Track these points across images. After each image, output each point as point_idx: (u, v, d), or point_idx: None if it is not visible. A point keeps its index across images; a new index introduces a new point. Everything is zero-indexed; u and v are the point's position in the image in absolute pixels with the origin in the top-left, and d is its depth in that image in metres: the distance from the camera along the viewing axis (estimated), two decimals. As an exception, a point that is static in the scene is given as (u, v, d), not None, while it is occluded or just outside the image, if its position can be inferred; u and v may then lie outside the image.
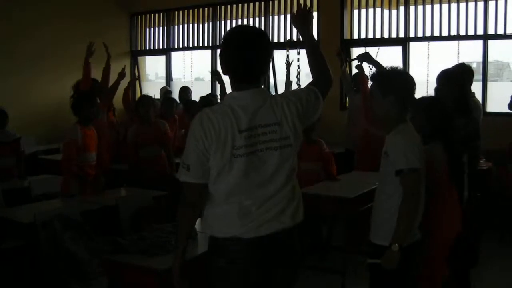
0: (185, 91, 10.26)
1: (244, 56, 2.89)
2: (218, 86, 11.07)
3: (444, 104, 4.36)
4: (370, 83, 4.85)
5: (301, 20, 3.36)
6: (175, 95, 10.82)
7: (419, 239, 3.71)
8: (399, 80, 3.72)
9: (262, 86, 3.01)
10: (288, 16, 11.02)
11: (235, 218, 2.87)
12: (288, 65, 8.88)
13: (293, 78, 8.64)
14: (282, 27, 11.23)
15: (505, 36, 8.76)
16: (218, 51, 3.11)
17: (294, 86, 8.59)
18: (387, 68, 3.79)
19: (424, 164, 3.65)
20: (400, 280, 3.67)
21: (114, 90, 8.32)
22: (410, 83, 3.79)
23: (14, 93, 10.34)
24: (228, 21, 12.00)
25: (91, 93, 6.41)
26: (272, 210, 2.91)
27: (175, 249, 3.12)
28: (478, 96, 8.78)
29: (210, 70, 11.24)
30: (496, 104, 8.65)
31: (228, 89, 3.10)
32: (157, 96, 11.11)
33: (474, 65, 9.83)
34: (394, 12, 9.89)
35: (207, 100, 8.07)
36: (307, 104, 3.04)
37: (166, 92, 11.33)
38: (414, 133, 3.70)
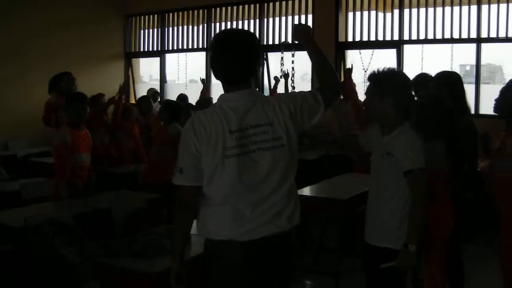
0: (182, 100, 10.19)
1: (228, 58, 2.92)
2: (212, 88, 11.15)
3: (445, 103, 4.37)
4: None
5: (301, 35, 3.34)
6: (169, 97, 10.83)
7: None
8: (396, 81, 3.71)
9: (253, 87, 3.02)
10: (283, 18, 11.04)
11: (229, 221, 2.88)
12: (286, 76, 8.83)
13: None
14: (277, 29, 11.24)
15: (497, 39, 8.80)
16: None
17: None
18: (384, 70, 3.77)
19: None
20: (399, 281, 3.68)
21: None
22: (407, 84, 3.80)
23: (6, 97, 10.35)
24: (223, 23, 11.99)
25: (80, 95, 6.33)
26: (267, 213, 2.91)
27: (172, 253, 3.11)
28: (471, 99, 8.85)
29: (200, 78, 11.20)
30: (488, 106, 8.63)
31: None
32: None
33: (467, 68, 9.88)
34: (388, 15, 9.92)
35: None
36: (302, 106, 3.03)
37: (154, 93, 11.33)
38: (414, 133, 3.69)
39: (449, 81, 5.04)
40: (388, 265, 3.54)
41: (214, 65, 2.99)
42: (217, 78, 3.02)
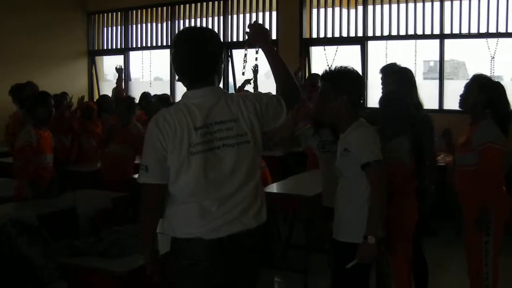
0: (146, 98, 10.09)
1: (189, 55, 2.94)
2: (177, 86, 11.08)
3: (407, 99, 4.40)
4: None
5: (259, 36, 3.34)
6: (133, 95, 10.73)
7: (383, 235, 3.72)
8: (350, 79, 3.73)
9: (216, 84, 3.03)
10: (247, 15, 11.02)
11: (195, 218, 2.87)
12: (255, 72, 8.76)
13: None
14: (241, 26, 11.22)
15: (460, 35, 8.90)
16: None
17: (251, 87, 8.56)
18: (336, 68, 3.78)
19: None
20: (363, 277, 3.70)
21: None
22: (360, 81, 3.83)
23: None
24: (187, 20, 11.95)
25: (45, 94, 6.21)
26: (233, 210, 2.92)
27: (143, 253, 3.06)
28: (435, 94, 8.96)
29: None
30: (452, 102, 8.74)
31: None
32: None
33: (431, 64, 9.98)
34: (352, 11, 9.96)
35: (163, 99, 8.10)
36: (267, 106, 3.05)
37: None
38: (370, 127, 3.71)
39: (406, 77, 5.10)
40: (352, 263, 3.55)
41: (176, 63, 3.00)
42: (179, 75, 3.04)
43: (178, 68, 3.01)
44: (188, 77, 2.99)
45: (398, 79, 5.10)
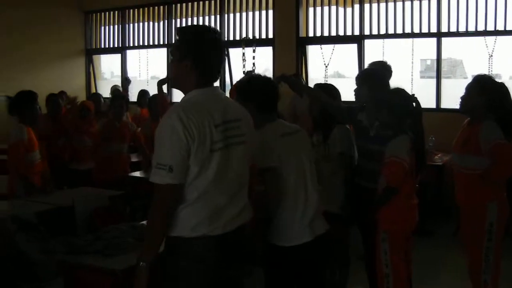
0: (144, 95, 10.12)
1: (213, 55, 2.98)
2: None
3: (408, 98, 4.34)
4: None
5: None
6: (131, 93, 10.78)
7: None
8: (257, 86, 3.71)
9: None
10: (244, 14, 11.02)
11: (208, 216, 2.87)
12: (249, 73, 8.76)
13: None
14: (238, 25, 11.21)
15: (457, 33, 8.88)
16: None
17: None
18: (248, 77, 3.87)
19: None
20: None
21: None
22: (268, 88, 3.75)
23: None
24: (184, 19, 11.93)
25: (31, 92, 6.25)
26: (238, 206, 2.99)
27: (147, 254, 2.89)
28: (433, 93, 8.95)
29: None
30: (449, 100, 8.77)
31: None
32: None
33: (428, 62, 9.98)
34: (349, 10, 9.96)
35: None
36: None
37: (115, 90, 11.24)
38: (276, 131, 3.65)
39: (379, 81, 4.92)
40: None
41: (197, 61, 2.95)
42: (189, 74, 2.98)
43: (199, 65, 2.95)
44: (207, 76, 3.00)
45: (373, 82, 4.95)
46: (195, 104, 2.89)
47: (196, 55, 2.94)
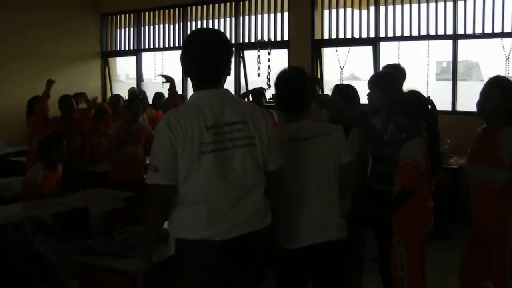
0: (159, 98, 10.20)
1: (209, 58, 2.96)
2: (189, 87, 11.05)
3: (424, 100, 4.28)
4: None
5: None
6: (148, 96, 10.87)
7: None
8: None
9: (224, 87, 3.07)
10: (259, 16, 11.02)
11: (205, 220, 2.87)
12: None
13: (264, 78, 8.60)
14: (253, 27, 11.20)
15: (474, 36, 8.81)
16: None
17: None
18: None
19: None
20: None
21: None
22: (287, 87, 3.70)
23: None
24: (199, 22, 11.96)
25: (58, 134, 6.33)
26: (244, 212, 2.94)
27: (141, 254, 3.09)
28: (448, 95, 8.90)
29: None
30: (465, 103, 8.72)
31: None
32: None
33: (444, 65, 9.93)
34: (364, 12, 9.91)
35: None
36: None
37: (132, 92, 11.30)
38: (286, 135, 3.58)
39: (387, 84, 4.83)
40: None
41: (194, 64, 3.01)
42: (193, 75, 3.05)
43: (189, 70, 3.04)
44: (205, 78, 3.00)
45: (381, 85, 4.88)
46: (189, 106, 2.96)
47: (183, 66, 3.08)
